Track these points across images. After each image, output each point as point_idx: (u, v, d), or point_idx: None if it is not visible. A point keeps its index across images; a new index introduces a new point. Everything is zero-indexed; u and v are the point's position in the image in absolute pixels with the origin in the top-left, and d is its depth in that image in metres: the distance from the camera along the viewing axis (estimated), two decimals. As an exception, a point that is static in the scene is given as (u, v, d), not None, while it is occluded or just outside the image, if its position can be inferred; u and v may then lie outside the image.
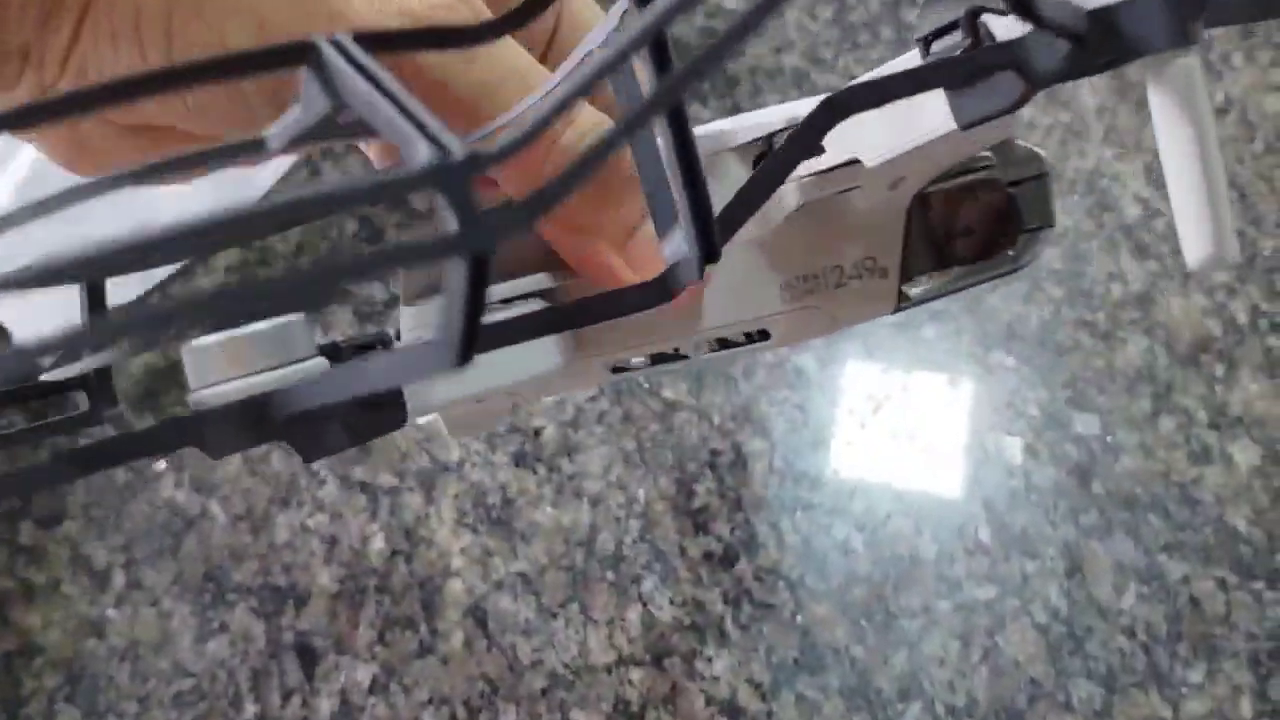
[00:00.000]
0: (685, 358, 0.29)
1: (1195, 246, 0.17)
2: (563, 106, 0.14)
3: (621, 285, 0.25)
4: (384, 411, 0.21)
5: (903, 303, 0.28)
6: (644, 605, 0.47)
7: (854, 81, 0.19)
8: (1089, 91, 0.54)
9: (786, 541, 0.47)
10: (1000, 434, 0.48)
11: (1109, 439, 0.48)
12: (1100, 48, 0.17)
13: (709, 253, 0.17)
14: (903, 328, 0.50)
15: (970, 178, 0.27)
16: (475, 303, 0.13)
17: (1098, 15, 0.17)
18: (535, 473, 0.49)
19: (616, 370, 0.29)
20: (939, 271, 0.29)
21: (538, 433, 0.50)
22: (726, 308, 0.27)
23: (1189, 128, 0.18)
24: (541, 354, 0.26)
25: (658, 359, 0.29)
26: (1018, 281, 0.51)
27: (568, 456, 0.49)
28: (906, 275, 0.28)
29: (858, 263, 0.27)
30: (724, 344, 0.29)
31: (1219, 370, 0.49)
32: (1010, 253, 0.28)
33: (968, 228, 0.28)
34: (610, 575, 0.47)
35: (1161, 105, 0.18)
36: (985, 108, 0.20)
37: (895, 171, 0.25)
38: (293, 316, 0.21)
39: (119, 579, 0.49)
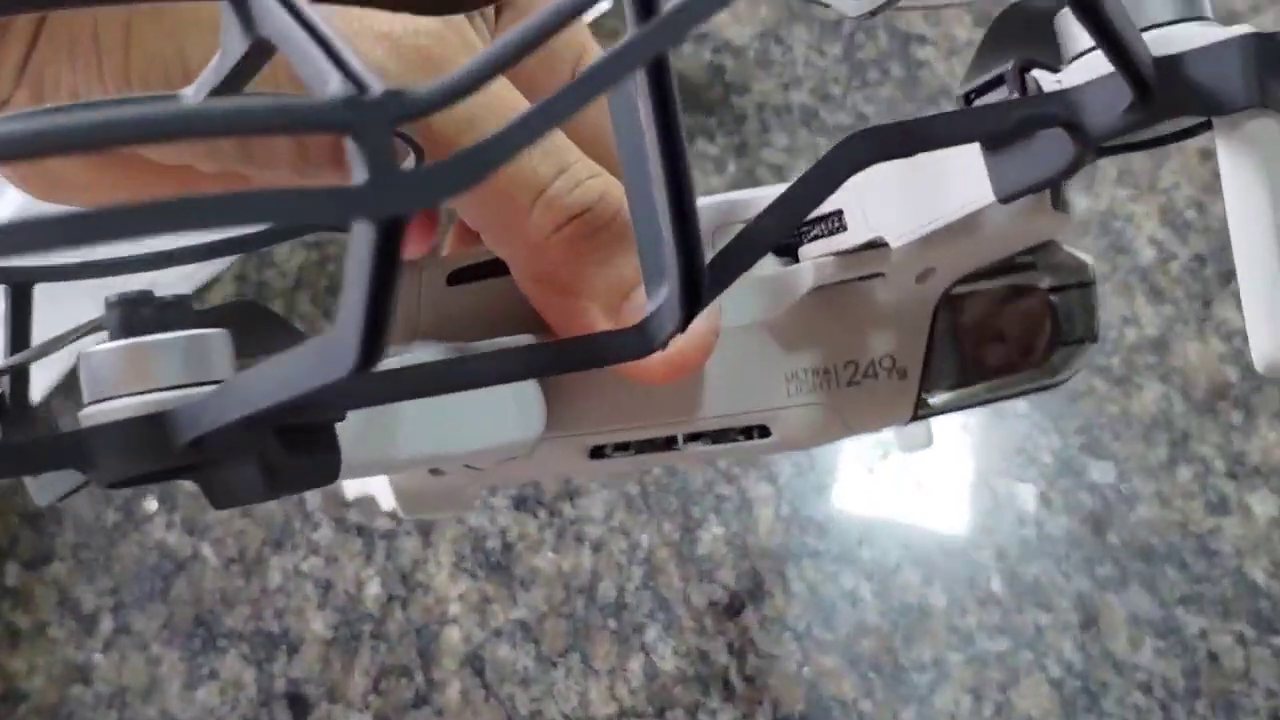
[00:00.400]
0: (675, 448, 0.26)
1: (1266, 344, 0.15)
2: (511, 59, 0.12)
3: (622, 365, 0.23)
4: (313, 455, 0.18)
5: (921, 410, 0.25)
6: (646, 655, 0.46)
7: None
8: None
9: (793, 590, 0.46)
10: (1012, 481, 0.47)
11: (1124, 488, 0.47)
12: (1167, 102, 0.15)
13: (693, 296, 0.14)
14: (912, 371, 0.49)
15: (1008, 280, 0.24)
16: (382, 284, 0.10)
17: (1166, 63, 0.15)
18: (536, 517, 0.48)
19: (596, 455, 0.26)
20: (964, 383, 0.25)
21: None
22: (725, 396, 0.25)
23: (1264, 205, 0.15)
24: (509, 420, 0.24)
25: (643, 447, 0.26)
26: None
27: (569, 500, 0.48)
28: (928, 382, 0.25)
29: (875, 360, 0.24)
30: (717, 438, 0.26)
31: (1236, 418, 0.47)
32: (1046, 366, 0.25)
33: (1001, 335, 0.25)
34: (612, 624, 0.46)
35: (1234, 175, 0.16)
36: (1029, 174, 0.17)
37: (924, 260, 0.23)
38: (210, 330, 0.17)
39: (107, 623, 0.48)
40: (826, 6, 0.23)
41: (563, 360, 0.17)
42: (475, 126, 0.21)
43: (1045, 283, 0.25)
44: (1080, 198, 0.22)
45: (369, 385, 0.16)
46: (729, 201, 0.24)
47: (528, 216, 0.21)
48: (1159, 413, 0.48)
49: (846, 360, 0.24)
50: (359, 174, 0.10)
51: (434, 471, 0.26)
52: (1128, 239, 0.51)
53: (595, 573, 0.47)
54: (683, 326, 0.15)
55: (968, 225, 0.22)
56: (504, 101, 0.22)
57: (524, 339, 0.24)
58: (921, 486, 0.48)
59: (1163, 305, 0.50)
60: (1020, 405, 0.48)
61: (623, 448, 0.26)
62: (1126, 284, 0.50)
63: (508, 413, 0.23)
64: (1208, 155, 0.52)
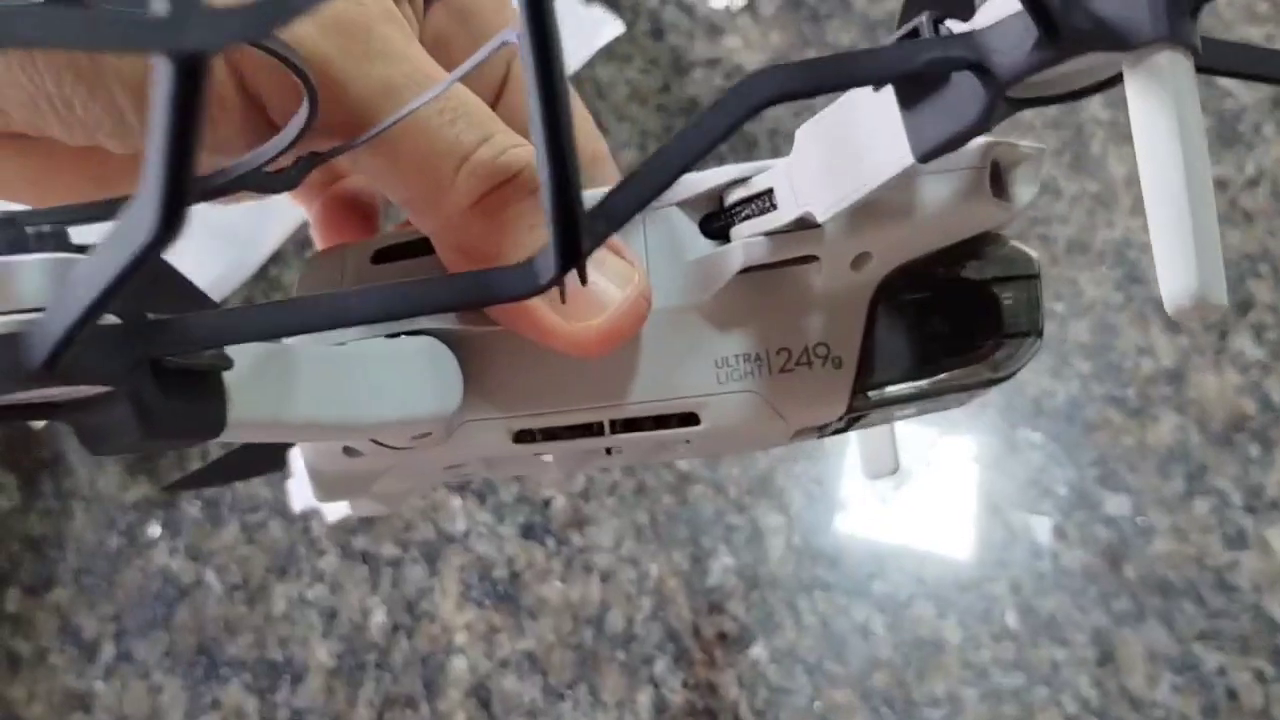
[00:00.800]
0: (601, 434, 0.25)
1: (1174, 284, 0.14)
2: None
3: (549, 335, 0.21)
4: (194, 400, 0.16)
5: (857, 402, 0.24)
6: (655, 687, 0.45)
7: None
8: (1116, 160, 0.52)
9: (804, 622, 0.45)
10: (1027, 513, 0.47)
11: (1140, 521, 0.46)
12: (1073, 37, 0.15)
13: (570, 234, 0.14)
14: (925, 400, 0.49)
15: (949, 270, 0.24)
16: (182, 133, 0.10)
17: None
18: (544, 545, 0.48)
19: (521, 440, 0.25)
20: (903, 376, 0.24)
21: (547, 504, 0.48)
22: (653, 380, 0.24)
23: (1174, 142, 0.15)
24: (421, 393, 0.22)
25: (569, 434, 0.25)
26: (1045, 355, 0.49)
27: (578, 529, 0.48)
28: (865, 375, 0.24)
29: (809, 348, 0.24)
30: (644, 425, 0.25)
31: (1254, 451, 0.47)
32: (989, 361, 0.24)
33: (942, 327, 0.24)
34: (620, 655, 0.45)
35: (1143, 114, 0.15)
36: (944, 127, 0.17)
37: (858, 244, 0.22)
38: (75, 255, 0.16)
39: (108, 650, 0.47)
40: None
41: (450, 295, 0.16)
42: (395, 92, 0.20)
43: (987, 274, 0.24)
44: (1025, 189, 0.22)
45: (234, 319, 0.16)
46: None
47: (451, 185, 0.21)
48: (1175, 444, 0.47)
49: (779, 347, 0.24)
50: (158, 5, 0.09)
51: (348, 451, 0.25)
52: (1142, 269, 0.50)
53: (604, 603, 0.46)
54: (565, 267, 0.14)
55: (901, 207, 0.21)
56: (421, 68, 0.21)
57: (446, 318, 0.23)
58: (935, 518, 0.47)
59: (1179, 336, 0.49)
60: (1034, 436, 0.48)
61: (549, 434, 0.25)
62: (1142, 315, 0.50)
63: (420, 384, 0.23)
64: (1222, 185, 0.52)
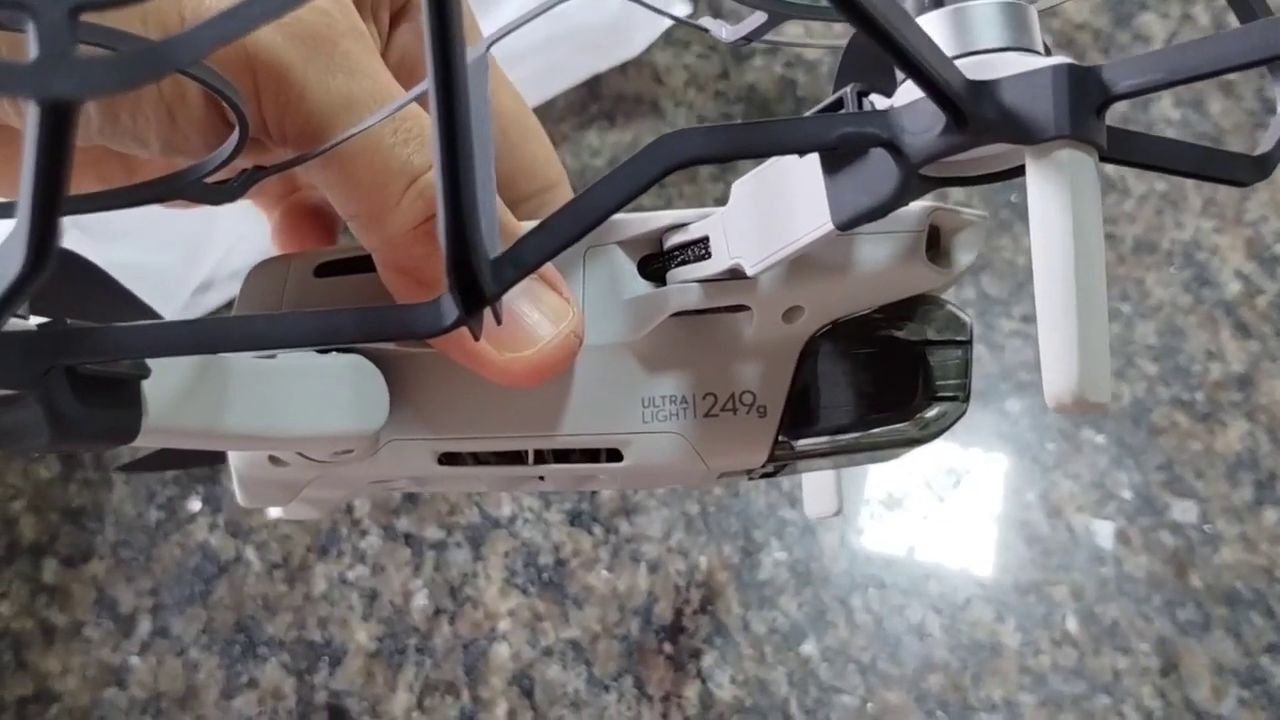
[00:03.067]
0: (524, 463, 0.25)
1: (1055, 380, 0.14)
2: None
3: (479, 363, 0.21)
4: (109, 408, 0.17)
5: (779, 451, 0.24)
6: (703, 682, 0.44)
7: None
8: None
9: (858, 621, 0.44)
10: (1089, 517, 0.45)
11: (1207, 528, 0.45)
12: (980, 126, 0.15)
13: (466, 279, 0.13)
14: (985, 400, 0.48)
15: (881, 330, 0.24)
16: (49, 174, 0.10)
17: (979, 88, 0.15)
18: (591, 533, 0.46)
19: (447, 462, 0.25)
20: (827, 430, 0.24)
21: (595, 491, 0.47)
22: (580, 414, 0.24)
23: (1067, 237, 0.15)
24: (345, 410, 0.23)
25: (493, 459, 0.25)
26: (1111, 356, 0.48)
27: (626, 518, 0.47)
28: (788, 423, 0.24)
29: (735, 395, 0.24)
30: (568, 457, 0.25)
31: (1327, 460, 0.45)
32: (916, 421, 0.24)
33: (870, 385, 0.24)
34: (668, 648, 0.44)
35: (1039, 207, 0.15)
36: (860, 200, 0.17)
37: (790, 297, 0.22)
38: None
39: (145, 625, 0.46)
40: (704, 31, 0.24)
41: (357, 327, 0.16)
42: (354, 107, 0.20)
43: (920, 335, 0.24)
44: (964, 255, 0.22)
45: (149, 333, 0.16)
46: (612, 220, 0.23)
47: (396, 206, 0.21)
48: (1244, 451, 0.46)
49: (706, 391, 0.24)
50: (31, 52, 0.10)
51: (274, 460, 0.25)
52: (1212, 271, 0.49)
53: (651, 593, 0.45)
54: (468, 311, 0.14)
55: (836, 265, 0.22)
56: (381, 86, 0.21)
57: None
58: (994, 519, 0.46)
59: (1249, 341, 0.48)
60: (1098, 438, 0.46)
61: (474, 458, 0.25)
62: (1211, 317, 0.48)
63: (343, 402, 0.23)
64: (1296, 188, 0.50)
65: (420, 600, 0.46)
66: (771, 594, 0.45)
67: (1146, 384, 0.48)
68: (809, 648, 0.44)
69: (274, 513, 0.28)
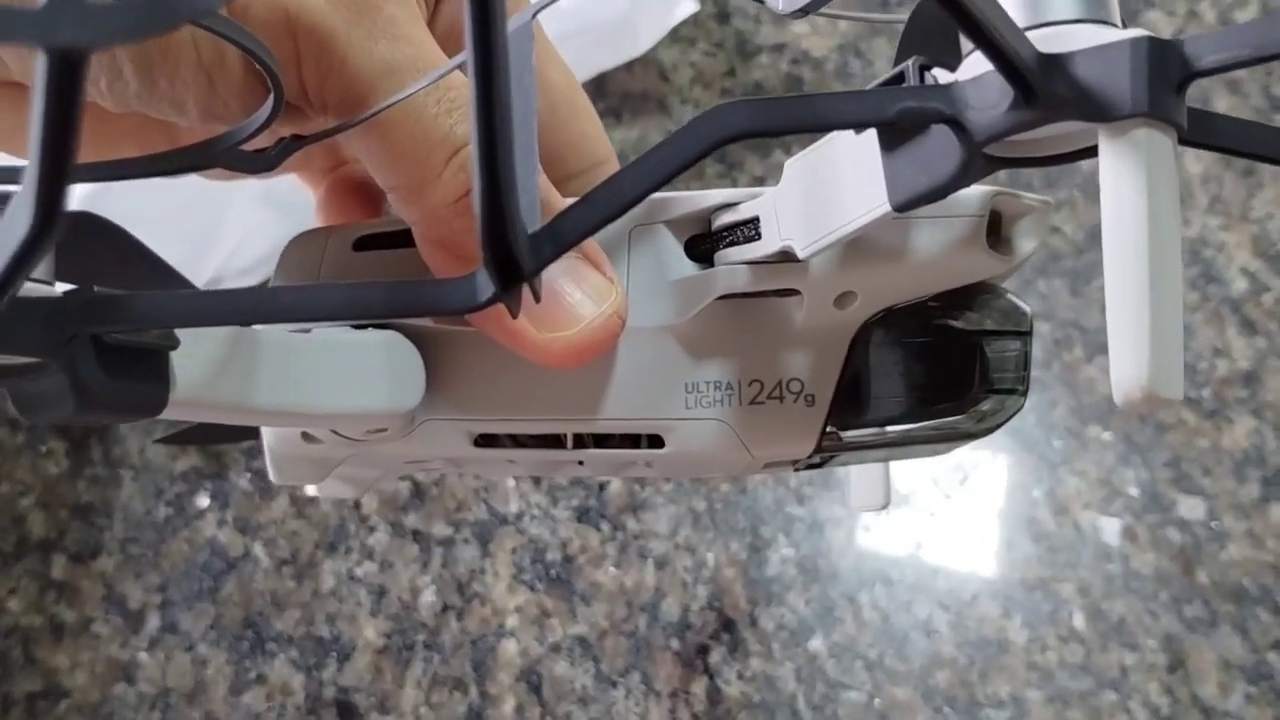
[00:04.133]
0: (562, 447, 0.25)
1: (1124, 372, 0.14)
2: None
3: (519, 342, 0.21)
4: (133, 380, 0.16)
5: (826, 443, 0.23)
6: (710, 678, 0.44)
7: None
8: (1192, 159, 0.51)
9: (865, 618, 0.44)
10: (1096, 514, 0.45)
11: (1214, 525, 0.45)
12: (1053, 102, 0.14)
13: (502, 254, 0.13)
14: (992, 395, 0.48)
15: (937, 318, 0.23)
16: (59, 127, 0.09)
17: (1051, 61, 0.14)
18: (598, 530, 0.47)
19: (482, 444, 0.25)
20: (878, 421, 0.23)
21: (602, 488, 0.47)
22: (621, 398, 0.23)
23: (1142, 222, 0.14)
24: (380, 387, 0.22)
25: (530, 443, 0.25)
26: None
27: (633, 514, 0.47)
28: (837, 413, 0.23)
29: (783, 383, 0.23)
30: (608, 442, 0.24)
31: (1333, 457, 0.45)
32: (972, 414, 0.23)
33: (924, 376, 0.23)
34: (675, 644, 0.44)
35: (1113, 189, 0.14)
36: (920, 180, 0.16)
37: (843, 282, 0.21)
38: None
39: (153, 621, 0.46)
40: (761, 3, 0.22)
41: (388, 302, 0.15)
42: (396, 74, 0.20)
43: (978, 325, 0.23)
44: (1026, 242, 0.21)
45: (176, 303, 0.16)
46: (660, 199, 0.23)
47: (438, 177, 0.20)
48: (1251, 448, 0.46)
49: (752, 378, 0.23)
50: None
51: (307, 437, 0.25)
52: (1218, 268, 0.49)
53: (659, 590, 0.45)
54: (505, 288, 0.13)
55: (891, 250, 0.21)
56: (425, 54, 0.20)
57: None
58: (1001, 515, 0.46)
59: (1255, 338, 0.48)
60: (1105, 435, 0.46)
61: (510, 440, 0.25)
62: (1218, 315, 0.48)
63: (377, 379, 0.22)
64: (1303, 186, 0.50)
65: (428, 596, 0.46)
66: (779, 590, 0.45)
67: (1153, 381, 0.47)
68: (816, 644, 0.44)
69: (310, 490, 0.28)
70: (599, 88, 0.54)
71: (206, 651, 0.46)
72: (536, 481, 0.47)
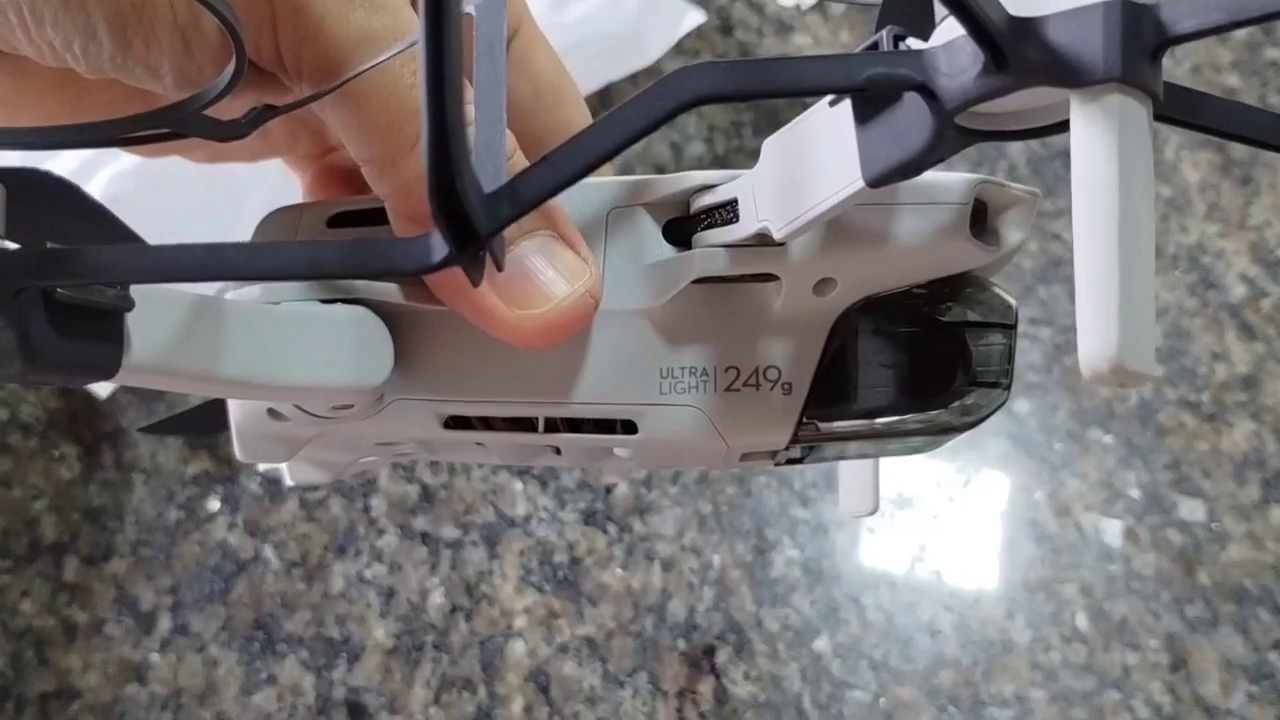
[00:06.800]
0: (533, 430, 0.24)
1: (1091, 344, 0.13)
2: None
3: (488, 320, 0.20)
4: (85, 340, 0.16)
5: (803, 433, 0.23)
6: (717, 678, 0.44)
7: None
8: (1190, 166, 0.52)
9: (869, 618, 0.45)
10: (1098, 515, 0.46)
11: (1215, 526, 0.45)
12: (1024, 67, 0.13)
13: (453, 214, 0.12)
14: (994, 399, 0.48)
15: (920, 308, 0.22)
16: None
17: (1022, 25, 0.13)
18: (605, 532, 0.47)
19: (454, 425, 0.24)
20: (858, 412, 0.23)
21: (609, 490, 0.48)
22: (594, 382, 0.23)
23: (1113, 191, 0.13)
24: (345, 362, 0.22)
25: (501, 425, 0.24)
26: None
27: (640, 516, 0.47)
28: (815, 403, 0.22)
29: (759, 370, 0.22)
30: (579, 427, 0.24)
31: (1332, 459, 0.46)
32: (952, 409, 0.22)
33: (905, 367, 0.22)
34: (682, 644, 0.45)
35: (1083, 156, 0.13)
36: (893, 153, 0.15)
37: (822, 268, 0.21)
38: None
39: (165, 622, 0.47)
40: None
41: (339, 260, 0.15)
42: (372, 42, 0.19)
43: (961, 317, 0.22)
44: (1012, 233, 0.21)
45: (127, 257, 0.15)
46: (638, 181, 0.22)
47: (411, 150, 0.20)
48: (1250, 451, 0.47)
49: (728, 365, 0.22)
50: None
51: (273, 414, 0.24)
52: (1217, 274, 0.50)
53: (665, 591, 0.46)
54: (459, 249, 0.13)
55: (871, 235, 0.20)
56: (402, 23, 0.20)
57: (387, 289, 0.22)
58: (1004, 517, 0.46)
59: (1254, 343, 0.49)
60: (1106, 438, 0.47)
61: (482, 423, 0.24)
62: (1216, 319, 0.49)
63: (345, 352, 0.22)
64: (1299, 193, 0.51)
65: (437, 598, 0.46)
66: (784, 591, 0.45)
67: (1153, 385, 0.48)
68: (821, 644, 0.44)
69: (289, 480, 0.27)
70: (603, 100, 0.55)
71: (217, 652, 0.46)
72: (544, 484, 0.48)
